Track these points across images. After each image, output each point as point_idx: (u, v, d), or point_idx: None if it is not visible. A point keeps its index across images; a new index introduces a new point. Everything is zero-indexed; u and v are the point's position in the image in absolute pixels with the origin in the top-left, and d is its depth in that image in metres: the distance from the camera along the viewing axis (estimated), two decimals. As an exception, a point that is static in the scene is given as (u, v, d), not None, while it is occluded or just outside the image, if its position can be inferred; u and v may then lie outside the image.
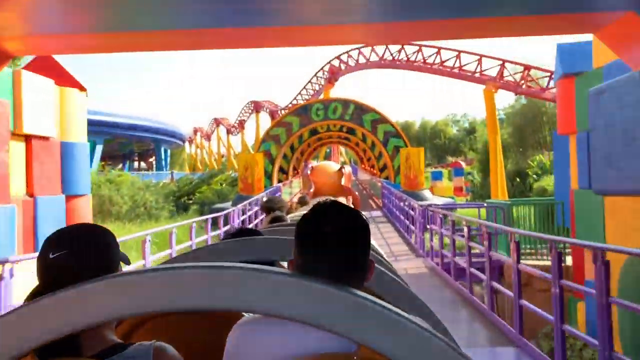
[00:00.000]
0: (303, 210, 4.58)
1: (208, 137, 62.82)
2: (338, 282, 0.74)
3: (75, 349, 0.94)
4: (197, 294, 0.57)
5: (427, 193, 21.29)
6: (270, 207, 3.88)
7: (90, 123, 38.45)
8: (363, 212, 1.10)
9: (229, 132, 54.70)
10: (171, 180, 30.50)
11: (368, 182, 30.57)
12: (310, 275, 0.70)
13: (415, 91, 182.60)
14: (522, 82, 20.19)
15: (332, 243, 0.98)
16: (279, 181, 28.54)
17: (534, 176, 28.24)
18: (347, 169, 18.86)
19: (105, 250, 1.10)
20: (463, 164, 46.99)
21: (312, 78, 30.83)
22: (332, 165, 19.53)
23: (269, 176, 26.68)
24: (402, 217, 14.79)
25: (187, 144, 66.06)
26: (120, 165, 55.19)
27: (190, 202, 28.14)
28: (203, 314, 1.24)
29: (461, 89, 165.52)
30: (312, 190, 16.28)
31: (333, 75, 27.48)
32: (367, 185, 31.96)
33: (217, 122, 58.14)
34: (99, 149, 37.82)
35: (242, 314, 1.07)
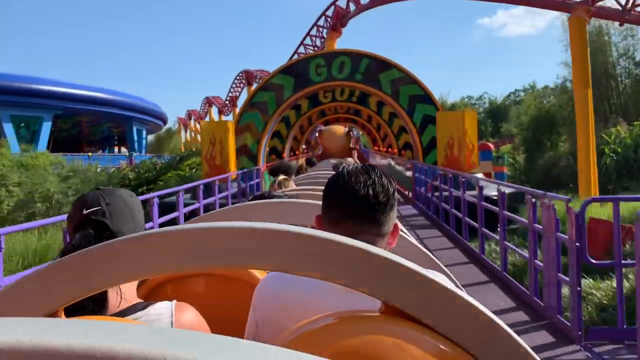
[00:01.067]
0: (313, 171, 4.77)
1: (202, 120, 56.00)
2: (363, 241, 0.72)
3: (99, 307, 0.96)
4: (222, 253, 0.58)
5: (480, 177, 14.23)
6: (276, 170, 3.77)
7: (33, 94, 30.81)
8: None
9: (220, 111, 47.74)
10: (128, 165, 23.57)
11: (385, 167, 23.46)
12: (335, 233, 0.67)
13: (432, 68, 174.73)
14: (629, 5, 13.00)
15: (360, 202, 0.99)
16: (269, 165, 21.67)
17: (612, 155, 21.17)
18: (356, 132, 18.43)
19: (136, 211, 1.13)
20: (491, 146, 40.21)
21: (311, 29, 23.46)
22: (340, 129, 19.22)
23: (253, 158, 19.77)
24: (471, 221, 7.90)
25: (182, 128, 59.32)
26: (100, 152, 48.56)
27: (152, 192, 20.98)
28: (224, 276, 1.35)
29: (483, 64, 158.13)
30: (319, 152, 15.81)
31: (339, 20, 20.24)
32: (385, 170, 24.92)
33: (209, 101, 51.18)
34: (47, 126, 30.52)
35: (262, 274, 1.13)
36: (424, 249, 1.43)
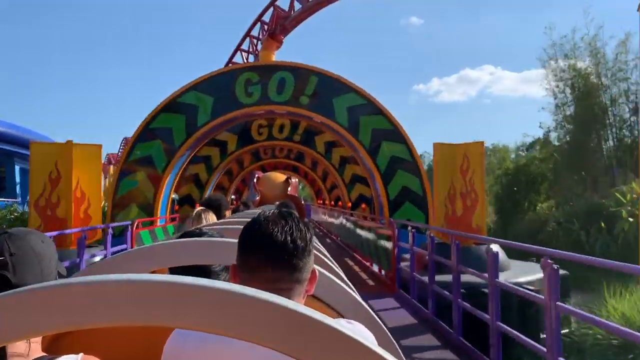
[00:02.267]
0: (246, 211, 4.69)
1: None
2: (280, 292, 0.73)
3: None
4: (125, 309, 0.54)
5: (498, 252, 8.76)
6: (206, 204, 3.42)
7: None
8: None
9: (138, 154, 41.07)
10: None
11: (338, 226, 17.73)
12: (250, 284, 0.65)
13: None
14: None
15: (278, 249, 0.96)
16: (174, 218, 15.49)
17: (629, 219, 16.83)
18: (294, 180, 18.89)
19: (45, 260, 1.01)
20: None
21: (242, 40, 17.87)
22: (279, 176, 19.60)
23: (148, 209, 13.65)
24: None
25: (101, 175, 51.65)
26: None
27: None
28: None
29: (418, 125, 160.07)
30: (257, 198, 16.22)
31: (278, 25, 14.92)
32: (334, 230, 19.12)
33: (127, 142, 44.49)
34: None
35: None
36: (353, 294, 1.34)
